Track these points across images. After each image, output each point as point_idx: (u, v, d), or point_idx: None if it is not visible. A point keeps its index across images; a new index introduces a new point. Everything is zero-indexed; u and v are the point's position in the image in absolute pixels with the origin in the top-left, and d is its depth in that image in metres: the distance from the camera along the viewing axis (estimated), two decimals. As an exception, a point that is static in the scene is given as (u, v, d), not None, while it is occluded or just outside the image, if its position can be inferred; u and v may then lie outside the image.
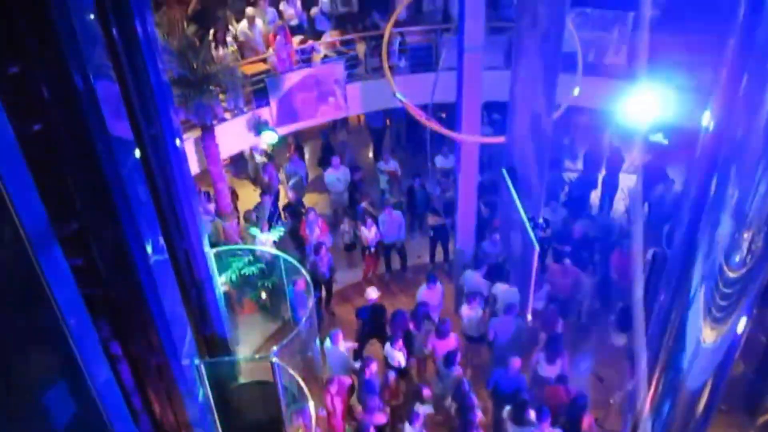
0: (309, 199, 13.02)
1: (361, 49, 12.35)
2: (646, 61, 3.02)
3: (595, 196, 12.79)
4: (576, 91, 9.69)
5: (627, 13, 11.46)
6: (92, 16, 4.01)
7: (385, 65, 9.46)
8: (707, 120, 3.52)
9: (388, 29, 8.58)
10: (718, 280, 3.79)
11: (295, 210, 11.75)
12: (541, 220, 9.63)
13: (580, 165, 13.40)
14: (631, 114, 11.17)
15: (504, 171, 9.40)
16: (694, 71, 10.88)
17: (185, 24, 9.81)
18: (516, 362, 8.17)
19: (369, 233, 11.02)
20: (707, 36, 10.45)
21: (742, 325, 4.04)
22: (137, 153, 4.48)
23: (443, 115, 13.23)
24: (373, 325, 9.43)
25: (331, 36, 12.48)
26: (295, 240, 11.43)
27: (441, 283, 9.87)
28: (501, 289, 9.42)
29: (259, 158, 13.33)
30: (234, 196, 11.98)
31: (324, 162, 13.09)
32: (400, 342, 8.66)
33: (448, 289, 10.58)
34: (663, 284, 4.24)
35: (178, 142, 5.98)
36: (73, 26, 3.49)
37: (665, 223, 10.54)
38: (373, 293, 9.42)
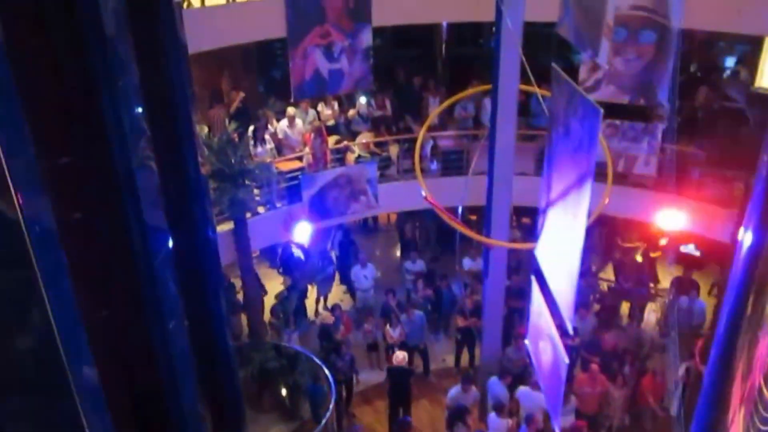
0: (335, 295, 12.99)
1: (393, 150, 12.67)
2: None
3: (625, 306, 12.55)
4: (606, 201, 9.71)
5: (657, 125, 11.65)
6: (140, 110, 4.20)
7: (417, 167, 9.65)
8: (743, 235, 3.48)
9: (421, 133, 8.83)
10: (758, 402, 3.62)
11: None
12: (569, 329, 9.40)
13: (611, 274, 13.23)
14: (661, 224, 11.19)
15: (533, 277, 9.29)
16: (725, 184, 10.92)
17: (227, 121, 10.23)
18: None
19: (394, 333, 10.87)
20: (738, 149, 10.58)
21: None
22: (170, 243, 4.55)
23: (473, 218, 13.31)
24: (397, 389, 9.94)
25: (365, 137, 12.85)
26: (321, 337, 11.32)
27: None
28: (524, 392, 9.14)
29: (296, 251, 13.41)
30: (262, 289, 12.01)
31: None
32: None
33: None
34: (699, 404, 4.06)
35: (210, 234, 6.07)
36: (121, 120, 3.65)
37: (696, 336, 10.26)
38: (400, 355, 9.81)
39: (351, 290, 13.07)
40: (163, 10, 4.41)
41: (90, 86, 3.33)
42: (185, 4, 9.63)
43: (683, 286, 11.53)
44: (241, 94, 12.31)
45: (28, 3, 2.98)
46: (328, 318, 11.19)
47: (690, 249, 12.48)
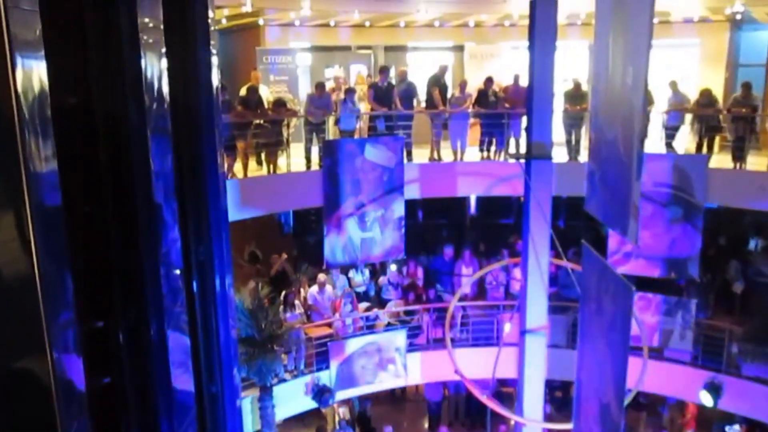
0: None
1: (423, 319, 12.61)
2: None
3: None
4: (643, 378, 9.39)
5: (690, 299, 11.53)
6: (177, 272, 4.34)
7: (447, 338, 9.59)
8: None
9: (453, 303, 8.87)
10: None
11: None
12: None
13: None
14: (701, 402, 10.69)
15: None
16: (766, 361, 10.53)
17: (260, 286, 10.43)
18: None
19: None
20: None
21: None
22: (195, 410, 4.48)
23: (506, 391, 12.87)
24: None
25: (395, 305, 12.87)
26: None
27: None
28: None
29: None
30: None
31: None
32: None
33: None
34: None
35: (237, 402, 5.96)
36: (158, 282, 3.77)
37: None
38: None
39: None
40: (210, 180, 4.69)
41: (133, 246, 3.47)
42: (229, 175, 10.22)
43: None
44: (284, 256, 12.63)
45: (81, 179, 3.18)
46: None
47: (735, 430, 11.77)
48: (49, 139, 2.33)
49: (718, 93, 13.00)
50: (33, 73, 2.22)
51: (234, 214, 9.09)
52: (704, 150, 11.73)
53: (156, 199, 3.57)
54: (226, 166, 9.28)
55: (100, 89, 2.83)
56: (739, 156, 11.43)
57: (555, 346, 10.75)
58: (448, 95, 13.09)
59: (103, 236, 3.34)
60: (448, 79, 14.06)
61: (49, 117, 2.33)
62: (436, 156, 12.56)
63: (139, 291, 3.60)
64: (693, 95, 12.69)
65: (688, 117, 12.47)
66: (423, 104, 13.02)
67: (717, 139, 12.05)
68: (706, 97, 11.94)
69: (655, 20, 5.09)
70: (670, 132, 12.25)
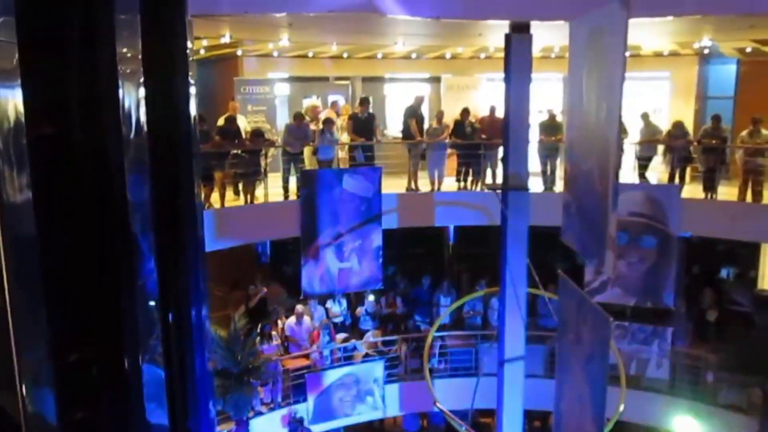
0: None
1: (402, 349, 12.53)
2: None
3: None
4: (621, 408, 9.41)
5: (666, 328, 11.62)
6: (153, 303, 4.26)
7: (426, 368, 9.54)
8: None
9: (431, 333, 8.83)
10: None
11: None
12: None
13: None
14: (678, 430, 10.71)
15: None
16: (741, 389, 10.61)
17: (236, 317, 10.31)
18: None
19: None
20: (751, 353, 10.41)
21: None
22: (169, 445, 4.38)
23: (485, 422, 12.78)
24: None
25: (373, 335, 12.79)
26: None
27: None
28: None
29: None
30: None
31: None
32: None
33: None
34: None
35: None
36: (134, 314, 3.70)
37: None
38: None
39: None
40: (187, 210, 4.65)
41: (109, 278, 3.41)
42: (206, 205, 10.16)
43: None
44: (264, 289, 12.54)
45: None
46: None
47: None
48: (25, 169, 2.31)
49: (689, 124, 13.31)
50: (9, 102, 2.21)
51: (211, 244, 9.02)
52: (676, 180, 11.97)
53: (133, 230, 3.53)
54: (203, 196, 9.23)
55: (77, 119, 2.82)
56: (710, 186, 11.68)
57: (533, 376, 10.73)
58: (426, 126, 13.22)
59: (79, 268, 3.29)
60: (425, 109, 14.20)
61: (25, 146, 2.31)
62: (413, 186, 12.63)
63: (115, 323, 3.54)
64: (665, 126, 12.97)
65: (661, 148, 12.73)
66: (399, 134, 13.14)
67: (688, 170, 12.31)
68: (678, 128, 12.21)
69: (627, 54, 5.20)
70: (643, 162, 12.48)
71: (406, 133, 12.89)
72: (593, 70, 5.81)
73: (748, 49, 13.54)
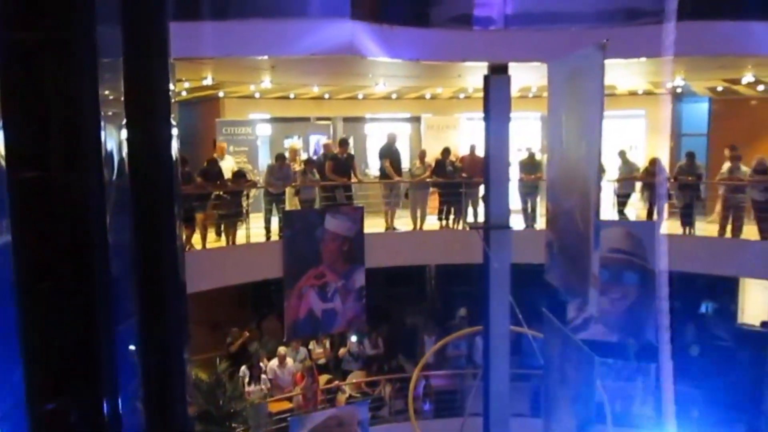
0: None
1: (386, 390, 12.38)
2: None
3: None
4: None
5: (649, 364, 11.61)
6: (133, 348, 4.19)
7: (411, 409, 9.41)
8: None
9: (416, 373, 8.74)
10: None
11: None
12: None
13: None
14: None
15: None
16: (727, 426, 10.58)
17: (218, 361, 10.14)
18: None
19: None
20: (735, 389, 10.41)
21: None
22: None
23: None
24: None
25: (356, 377, 12.63)
26: None
27: None
28: None
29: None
30: None
31: None
32: None
33: None
34: None
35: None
36: (114, 360, 3.63)
37: None
38: None
39: None
40: (168, 253, 4.61)
41: (89, 323, 3.36)
42: (187, 247, 10.08)
43: None
44: (246, 334, 12.41)
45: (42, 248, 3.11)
46: None
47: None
48: (4, 213, 2.29)
49: (665, 161, 13.54)
50: (-10, 145, 2.19)
51: (192, 286, 8.90)
52: (654, 216, 12.11)
53: (113, 274, 3.49)
54: (184, 237, 9.15)
55: (58, 162, 2.81)
56: (687, 222, 11.82)
57: (519, 415, 10.63)
58: (404, 164, 13.29)
59: (58, 313, 3.24)
60: (404, 148, 14.29)
61: (5, 191, 2.29)
62: (391, 225, 12.63)
63: (93, 369, 3.46)
64: (641, 163, 13.18)
65: (638, 185, 12.91)
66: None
67: (666, 206, 12.47)
68: (655, 165, 12.40)
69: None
70: (622, 199, 12.63)
71: (383, 174, 12.96)
72: (572, 110, 5.91)
73: (719, 88, 13.91)
